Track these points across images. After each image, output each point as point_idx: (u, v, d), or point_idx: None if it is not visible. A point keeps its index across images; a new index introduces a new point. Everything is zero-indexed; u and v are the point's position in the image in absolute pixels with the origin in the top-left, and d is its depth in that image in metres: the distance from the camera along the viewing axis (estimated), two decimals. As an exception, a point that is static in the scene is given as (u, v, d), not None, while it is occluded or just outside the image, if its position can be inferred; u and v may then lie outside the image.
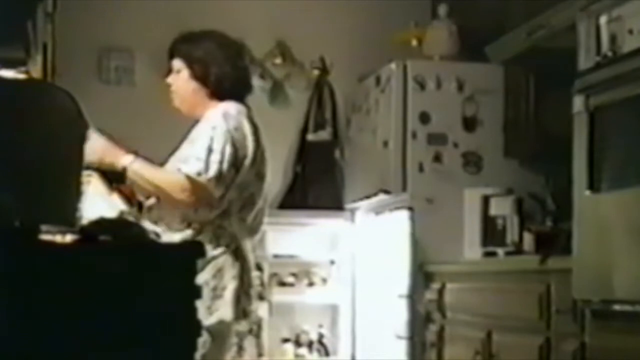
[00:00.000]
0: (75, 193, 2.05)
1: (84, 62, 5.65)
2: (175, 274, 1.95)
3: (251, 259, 3.39)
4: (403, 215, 5.05)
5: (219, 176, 3.30)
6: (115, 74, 5.78)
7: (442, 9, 5.37)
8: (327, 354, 5.79)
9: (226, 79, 3.51)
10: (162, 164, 3.50)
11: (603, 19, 3.40)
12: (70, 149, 2.03)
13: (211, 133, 3.35)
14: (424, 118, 5.03)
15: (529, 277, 3.91)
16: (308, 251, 5.82)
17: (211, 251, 3.29)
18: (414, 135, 5.02)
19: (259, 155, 3.44)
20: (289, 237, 5.61)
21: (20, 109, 1.95)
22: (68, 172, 2.03)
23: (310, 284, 5.80)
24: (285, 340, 5.73)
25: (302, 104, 5.94)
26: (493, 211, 4.73)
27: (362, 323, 5.65)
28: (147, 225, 3.02)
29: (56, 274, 1.85)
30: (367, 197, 5.38)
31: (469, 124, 5.06)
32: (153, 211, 3.41)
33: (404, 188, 5.02)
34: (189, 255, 2.00)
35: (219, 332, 3.25)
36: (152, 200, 3.41)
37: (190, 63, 3.53)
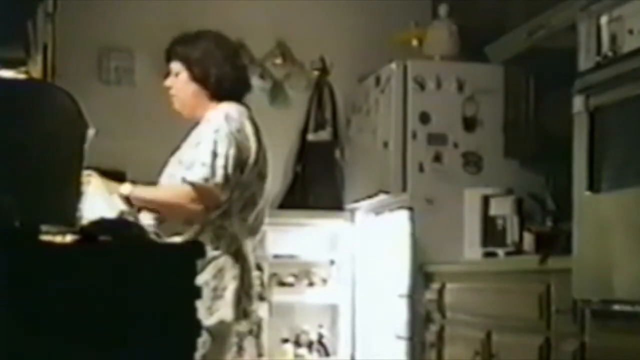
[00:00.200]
0: (75, 193, 2.05)
1: (84, 62, 5.65)
2: (175, 274, 1.95)
3: (252, 259, 3.39)
4: (403, 216, 5.05)
5: (226, 180, 3.30)
6: (115, 74, 5.78)
7: (442, 9, 5.37)
8: (327, 354, 5.79)
9: (226, 79, 3.50)
10: (162, 164, 3.50)
11: (603, 19, 3.40)
12: (70, 149, 2.03)
13: (214, 136, 3.34)
14: (424, 118, 5.03)
15: (529, 277, 3.91)
16: (308, 251, 5.83)
17: (212, 251, 3.28)
18: (414, 136, 5.02)
19: (261, 156, 3.44)
20: (289, 237, 5.61)
21: (20, 109, 1.95)
22: (68, 172, 2.03)
23: (310, 284, 5.80)
24: (285, 341, 5.73)
25: (302, 104, 5.94)
26: (493, 211, 4.73)
27: (362, 323, 5.65)
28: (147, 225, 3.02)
29: (56, 274, 1.85)
30: (367, 197, 5.38)
31: (469, 124, 5.06)
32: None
33: (404, 188, 5.02)
34: (189, 255, 2.00)
35: (220, 333, 3.25)
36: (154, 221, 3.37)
37: (188, 65, 3.51)
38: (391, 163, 5.06)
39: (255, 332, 3.38)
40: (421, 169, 5.01)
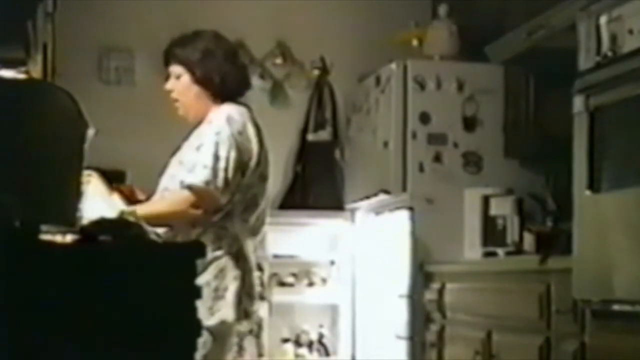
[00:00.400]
0: (75, 193, 2.05)
1: (84, 62, 5.65)
2: (175, 274, 1.95)
3: (253, 259, 3.39)
4: (403, 216, 5.05)
5: (226, 183, 3.29)
6: (115, 74, 5.78)
7: (442, 9, 5.37)
8: (327, 354, 5.78)
9: (229, 78, 3.48)
10: (162, 164, 3.50)
11: (603, 19, 3.40)
12: (70, 149, 2.02)
13: (216, 138, 3.33)
14: (424, 118, 5.03)
15: (529, 277, 3.91)
16: (308, 251, 5.82)
17: (213, 252, 3.28)
18: (414, 135, 5.02)
19: (263, 157, 3.43)
20: (289, 237, 5.61)
21: (20, 109, 1.95)
22: (68, 172, 2.03)
23: (310, 284, 5.80)
24: (286, 341, 5.73)
25: (302, 104, 5.94)
26: (493, 211, 4.73)
27: (362, 323, 5.65)
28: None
29: (56, 274, 1.85)
30: (367, 197, 5.38)
31: (469, 124, 5.06)
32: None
33: (404, 188, 5.02)
34: (189, 255, 2.00)
35: (220, 333, 3.25)
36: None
37: (189, 68, 3.48)
38: (391, 163, 5.06)
39: (256, 332, 3.38)
40: (421, 169, 5.01)
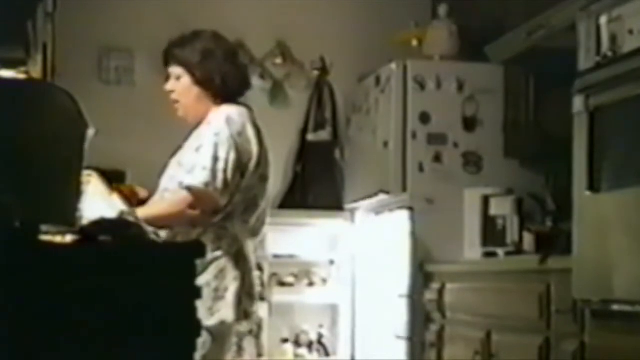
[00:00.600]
0: (75, 193, 2.05)
1: (84, 62, 5.65)
2: (175, 274, 1.95)
3: (253, 260, 3.38)
4: (403, 216, 5.05)
5: (225, 185, 3.29)
6: (115, 74, 5.78)
7: (442, 9, 5.37)
8: (326, 354, 5.78)
9: (229, 78, 3.47)
10: (162, 164, 3.50)
11: (603, 19, 3.40)
12: (70, 149, 2.02)
13: (215, 139, 3.32)
14: (424, 118, 5.03)
15: (529, 277, 3.91)
16: (308, 251, 5.82)
17: (213, 252, 3.28)
18: (414, 135, 5.02)
19: (263, 158, 3.42)
20: (289, 237, 5.61)
21: (20, 109, 1.95)
22: (68, 172, 2.03)
23: (310, 284, 5.80)
24: (285, 341, 5.73)
25: (302, 104, 5.94)
26: (493, 211, 4.73)
27: (362, 323, 5.65)
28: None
29: (56, 274, 1.85)
30: (367, 197, 5.38)
31: (469, 124, 5.06)
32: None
33: (404, 188, 5.02)
34: (189, 255, 2.00)
35: (220, 333, 3.24)
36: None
37: (189, 69, 3.47)
38: (391, 163, 5.06)
39: (255, 332, 3.37)
40: (421, 169, 5.01)
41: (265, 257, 3.51)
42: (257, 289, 3.38)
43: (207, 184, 3.27)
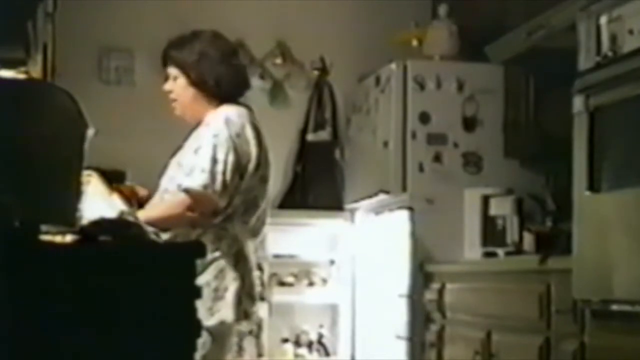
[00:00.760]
0: (75, 193, 2.05)
1: (84, 62, 5.65)
2: (175, 274, 1.95)
3: (253, 260, 3.38)
4: (403, 216, 5.05)
5: (224, 187, 3.29)
6: (115, 74, 5.78)
7: (442, 9, 5.37)
8: (327, 354, 5.78)
9: (223, 79, 3.47)
10: (162, 164, 3.50)
11: (603, 19, 3.40)
12: (70, 149, 2.02)
13: (214, 141, 3.32)
14: (424, 118, 5.03)
15: (529, 277, 3.91)
16: (308, 251, 5.82)
17: (212, 253, 3.28)
18: (414, 135, 5.02)
19: (263, 159, 3.42)
20: (289, 237, 5.61)
21: (20, 109, 1.95)
22: (68, 172, 2.03)
23: (310, 284, 5.80)
24: (285, 341, 5.73)
25: (302, 104, 5.94)
26: (493, 211, 4.74)
27: (362, 323, 5.65)
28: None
29: (56, 274, 1.85)
30: (367, 197, 5.38)
31: (469, 124, 5.06)
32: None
33: (404, 188, 5.02)
34: (189, 255, 2.00)
35: (220, 333, 3.24)
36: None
37: (185, 70, 3.48)
38: (391, 163, 5.06)
39: (255, 332, 3.37)
40: (421, 169, 5.01)
41: (266, 257, 3.51)
42: (258, 289, 3.38)
43: (205, 186, 3.27)
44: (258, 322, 3.38)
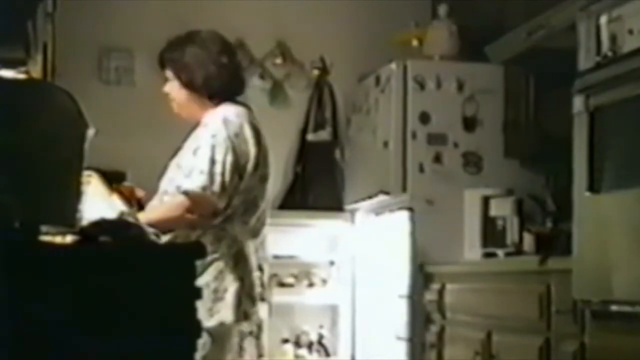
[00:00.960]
0: (75, 193, 2.05)
1: (84, 62, 5.65)
2: (175, 275, 1.95)
3: (253, 261, 3.38)
4: (403, 216, 5.05)
5: (223, 188, 3.28)
6: (115, 74, 5.78)
7: (442, 9, 5.37)
8: (327, 354, 5.78)
9: (213, 79, 3.45)
10: (162, 164, 3.50)
11: (603, 19, 3.40)
12: (70, 149, 2.02)
13: (212, 141, 3.32)
14: (424, 118, 5.03)
15: (529, 278, 3.91)
16: (308, 252, 5.82)
17: (212, 253, 3.27)
18: (414, 136, 5.02)
19: (262, 159, 3.41)
20: (289, 238, 5.61)
21: (20, 109, 1.94)
22: (68, 172, 2.02)
23: (310, 285, 5.80)
24: (285, 341, 5.73)
25: (302, 104, 5.94)
26: (493, 212, 4.73)
27: (362, 324, 5.65)
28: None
29: (56, 274, 1.85)
30: (367, 197, 5.38)
31: (469, 124, 5.06)
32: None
33: (404, 189, 5.02)
34: (189, 255, 2.00)
35: (220, 334, 3.24)
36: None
37: (176, 72, 3.49)
38: (391, 163, 5.06)
39: (256, 333, 3.37)
40: (421, 169, 5.01)
41: (266, 258, 3.50)
42: (258, 289, 3.38)
43: (204, 188, 3.26)
44: (258, 322, 3.38)
